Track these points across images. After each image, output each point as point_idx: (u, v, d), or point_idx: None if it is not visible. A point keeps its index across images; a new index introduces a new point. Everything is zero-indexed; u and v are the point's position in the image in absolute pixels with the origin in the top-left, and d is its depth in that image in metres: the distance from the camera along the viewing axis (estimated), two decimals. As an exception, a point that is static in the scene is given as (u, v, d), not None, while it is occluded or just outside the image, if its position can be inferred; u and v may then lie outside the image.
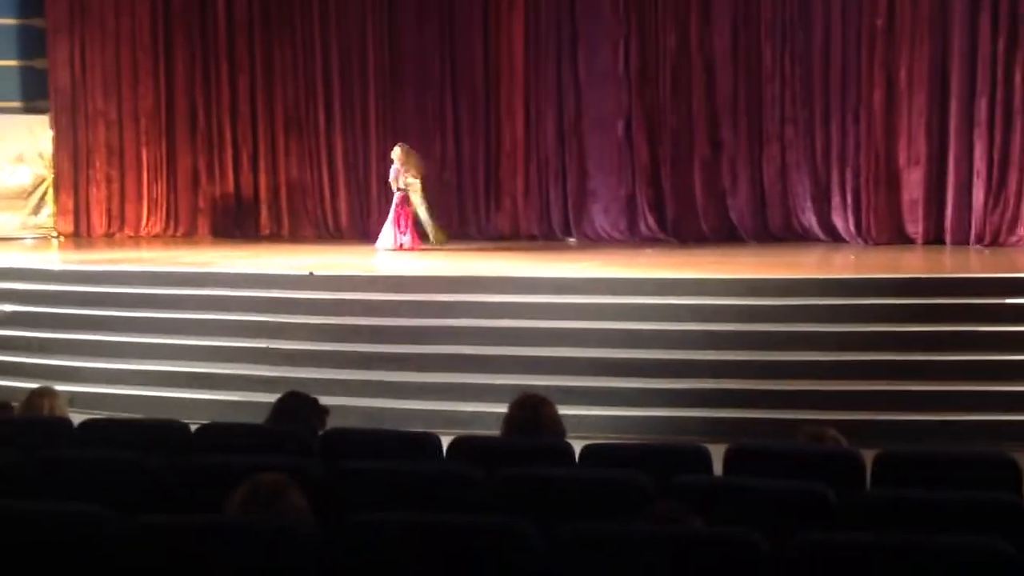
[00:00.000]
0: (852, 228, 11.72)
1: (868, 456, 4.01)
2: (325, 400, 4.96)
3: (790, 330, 8.12)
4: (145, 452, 3.88)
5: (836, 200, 11.86)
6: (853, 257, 10.85)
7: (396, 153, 11.96)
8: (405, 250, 11.71)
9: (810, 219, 12.02)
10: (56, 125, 14.15)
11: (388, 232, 11.88)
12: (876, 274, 9.31)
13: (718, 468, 4.08)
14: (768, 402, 7.47)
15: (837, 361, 7.82)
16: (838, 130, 11.81)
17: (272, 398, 4.95)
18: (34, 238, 13.95)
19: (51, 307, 9.56)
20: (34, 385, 5.76)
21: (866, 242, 11.54)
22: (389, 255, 11.62)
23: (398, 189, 11.89)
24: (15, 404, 5.35)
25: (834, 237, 11.86)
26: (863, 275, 9.17)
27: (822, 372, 7.76)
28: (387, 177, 12.12)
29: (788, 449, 4.20)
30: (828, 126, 11.86)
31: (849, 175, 11.74)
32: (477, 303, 8.92)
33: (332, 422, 4.82)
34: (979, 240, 11.07)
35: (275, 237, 13.79)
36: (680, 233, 12.49)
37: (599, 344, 8.24)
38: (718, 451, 4.13)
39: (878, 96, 11.51)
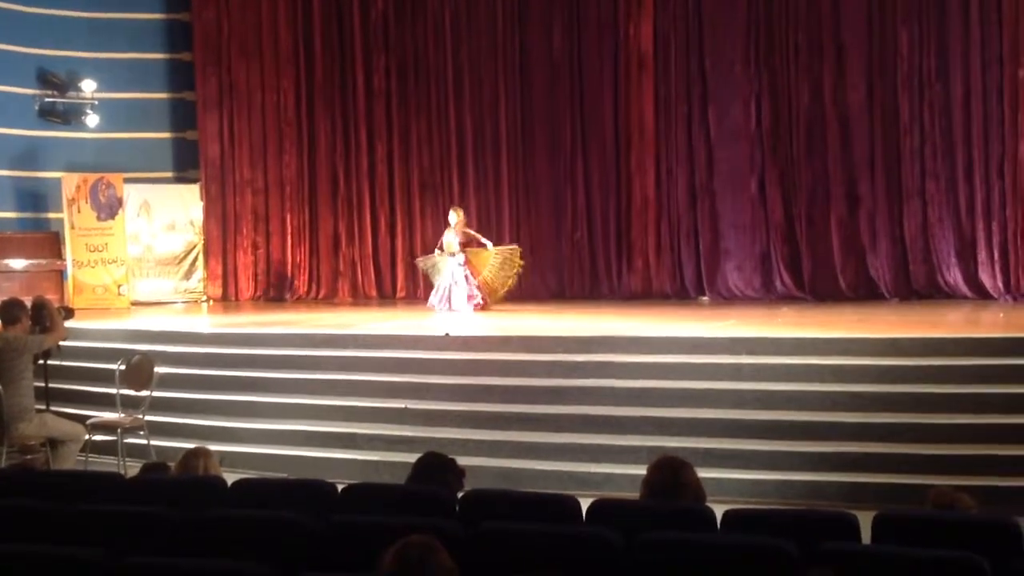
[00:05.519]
0: (1000, 285, 11.31)
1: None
2: (461, 460, 5.00)
3: (936, 391, 7.82)
4: (295, 511, 3.99)
5: (983, 256, 11.48)
6: (1002, 315, 10.44)
7: (460, 216, 12.35)
8: (482, 309, 12.10)
9: (955, 276, 11.65)
10: (206, 194, 14.86)
11: (461, 294, 12.13)
12: (1027, 333, 8.90)
13: (865, 535, 3.97)
14: (914, 467, 7.19)
15: (986, 424, 7.51)
16: (982, 184, 11.48)
17: (411, 458, 5.02)
18: (185, 302, 14.58)
19: (201, 369, 9.94)
20: (187, 445, 6.00)
21: (1015, 299, 11.11)
22: (490, 316, 11.84)
23: (462, 251, 12.27)
24: (171, 464, 5.57)
25: (981, 295, 11.46)
26: (1012, 334, 8.78)
27: (970, 436, 7.44)
28: (465, 237, 12.47)
29: (940, 517, 4.05)
30: (972, 180, 11.54)
31: (996, 230, 11.36)
32: (611, 363, 8.89)
33: (468, 482, 4.87)
34: None
35: (411, 298, 14.11)
36: (817, 291, 12.27)
37: (736, 405, 8.10)
38: (863, 517, 4.02)
39: (1023, 148, 11.16)
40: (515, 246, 12.79)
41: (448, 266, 12.35)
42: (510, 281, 12.61)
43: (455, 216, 12.43)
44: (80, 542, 3.71)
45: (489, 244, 12.51)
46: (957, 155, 11.62)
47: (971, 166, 11.53)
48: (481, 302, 12.17)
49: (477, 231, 13.49)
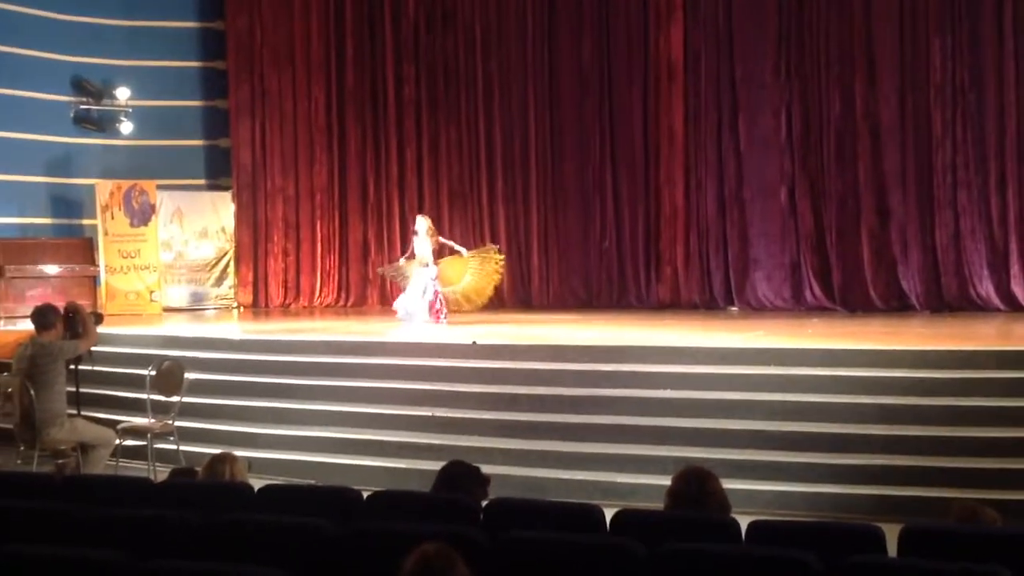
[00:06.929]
0: (1034, 297, 11.20)
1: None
2: (487, 468, 5.01)
3: (967, 405, 7.75)
4: (320, 518, 4.01)
5: (1016, 268, 11.36)
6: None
7: (428, 223, 11.86)
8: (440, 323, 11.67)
9: (987, 288, 11.54)
10: (238, 201, 14.98)
11: (426, 305, 11.64)
12: (1060, 346, 8.80)
13: (891, 549, 3.94)
14: (943, 480, 7.13)
15: (1016, 437, 7.42)
16: (1015, 195, 11.37)
17: (437, 465, 5.02)
18: (216, 308, 14.69)
19: (231, 375, 10.00)
20: (217, 451, 6.03)
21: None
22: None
23: (435, 263, 11.85)
24: (198, 469, 5.60)
25: (1014, 307, 11.34)
26: (1046, 347, 8.70)
27: (1001, 449, 7.37)
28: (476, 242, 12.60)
29: (967, 531, 4.01)
30: (1004, 192, 11.44)
31: (1030, 242, 11.25)
32: (639, 373, 8.85)
33: (493, 491, 4.87)
34: None
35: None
36: (848, 302, 12.18)
37: (764, 416, 8.06)
38: (890, 531, 3.99)
39: (1058, 160, 11.08)
40: (490, 245, 12.71)
41: (420, 277, 11.78)
42: (496, 277, 12.38)
43: (423, 223, 11.88)
44: (105, 545, 3.74)
45: (464, 251, 12.20)
46: (990, 167, 11.52)
47: (1004, 178, 11.43)
48: (445, 319, 11.68)
49: (507, 239, 13.52)
